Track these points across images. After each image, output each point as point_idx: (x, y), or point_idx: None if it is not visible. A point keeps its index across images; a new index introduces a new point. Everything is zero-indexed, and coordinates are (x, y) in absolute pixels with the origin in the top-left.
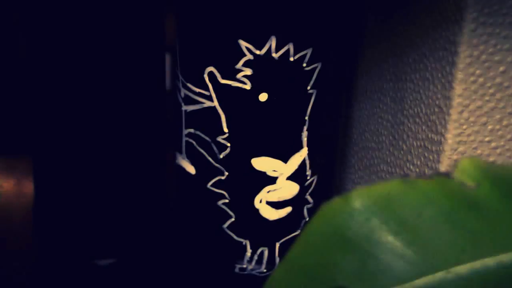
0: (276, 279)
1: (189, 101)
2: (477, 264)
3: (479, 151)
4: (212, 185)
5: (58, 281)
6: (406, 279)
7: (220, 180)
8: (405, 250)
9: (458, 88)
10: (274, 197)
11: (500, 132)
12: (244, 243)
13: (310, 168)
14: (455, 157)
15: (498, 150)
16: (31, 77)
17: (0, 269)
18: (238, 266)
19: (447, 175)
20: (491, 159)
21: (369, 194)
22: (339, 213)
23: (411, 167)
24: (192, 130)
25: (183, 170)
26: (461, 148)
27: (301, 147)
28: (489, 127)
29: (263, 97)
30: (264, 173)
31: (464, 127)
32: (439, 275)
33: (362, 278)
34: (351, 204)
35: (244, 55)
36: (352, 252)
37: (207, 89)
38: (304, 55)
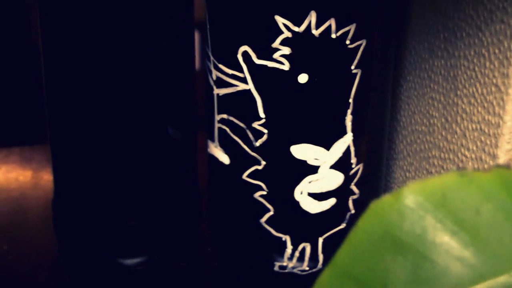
0: (322, 286)
1: (222, 84)
2: None
3: None
4: (248, 176)
5: (80, 281)
6: (465, 284)
7: (256, 170)
8: (463, 251)
9: None
10: (316, 188)
11: None
12: (284, 239)
13: (355, 155)
14: None
15: None
16: (50, 60)
17: (18, 268)
18: (277, 264)
19: (507, 167)
20: None
21: (422, 190)
22: (389, 212)
23: (466, 152)
24: (225, 116)
25: (215, 159)
26: None
27: (345, 132)
28: None
29: (302, 78)
30: (305, 161)
31: None
32: (502, 279)
33: (416, 283)
34: (402, 202)
35: (282, 32)
36: (404, 255)
37: (241, 71)
38: (347, 32)
